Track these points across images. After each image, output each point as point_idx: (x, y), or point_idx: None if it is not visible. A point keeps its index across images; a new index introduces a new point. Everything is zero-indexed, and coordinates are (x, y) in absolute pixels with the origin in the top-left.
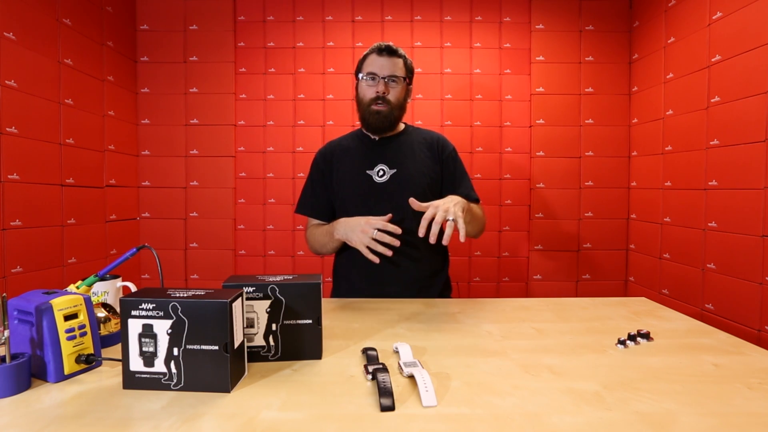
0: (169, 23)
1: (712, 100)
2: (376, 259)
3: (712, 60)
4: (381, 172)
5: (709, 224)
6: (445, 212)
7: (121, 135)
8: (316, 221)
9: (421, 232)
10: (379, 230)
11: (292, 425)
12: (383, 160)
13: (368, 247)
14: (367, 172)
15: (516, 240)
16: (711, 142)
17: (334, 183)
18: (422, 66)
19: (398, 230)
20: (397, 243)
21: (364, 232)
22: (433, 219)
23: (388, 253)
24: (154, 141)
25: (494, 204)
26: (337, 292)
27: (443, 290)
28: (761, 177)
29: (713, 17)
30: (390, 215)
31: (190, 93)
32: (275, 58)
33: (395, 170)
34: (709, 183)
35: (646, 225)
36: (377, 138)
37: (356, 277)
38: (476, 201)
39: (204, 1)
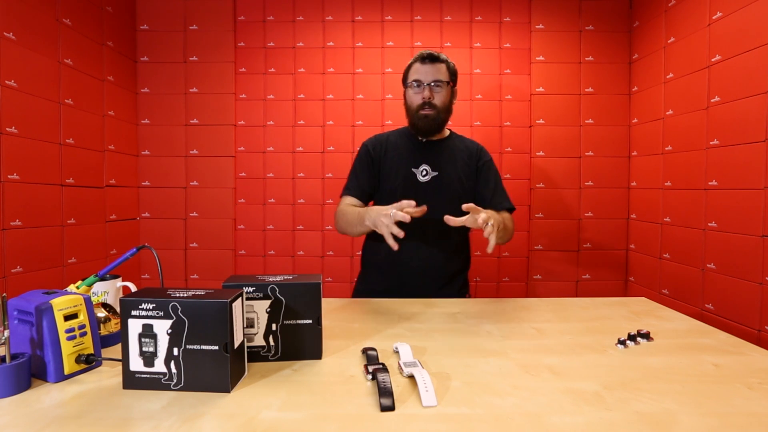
0: (169, 23)
1: (712, 100)
2: (395, 246)
3: (712, 60)
4: (424, 172)
5: (709, 224)
6: (487, 216)
7: (121, 135)
8: (349, 201)
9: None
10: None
11: (292, 425)
12: (427, 161)
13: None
14: (412, 169)
15: (516, 240)
16: (711, 142)
17: (381, 173)
18: None
19: (412, 203)
20: (408, 218)
21: (386, 215)
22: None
23: (400, 234)
24: (154, 141)
25: None
26: (364, 280)
27: (462, 287)
28: (761, 177)
29: (713, 17)
30: (414, 205)
31: (190, 93)
32: (275, 58)
33: (437, 173)
34: (709, 183)
35: (646, 225)
36: (424, 140)
37: (387, 267)
38: (511, 209)
39: (204, 1)
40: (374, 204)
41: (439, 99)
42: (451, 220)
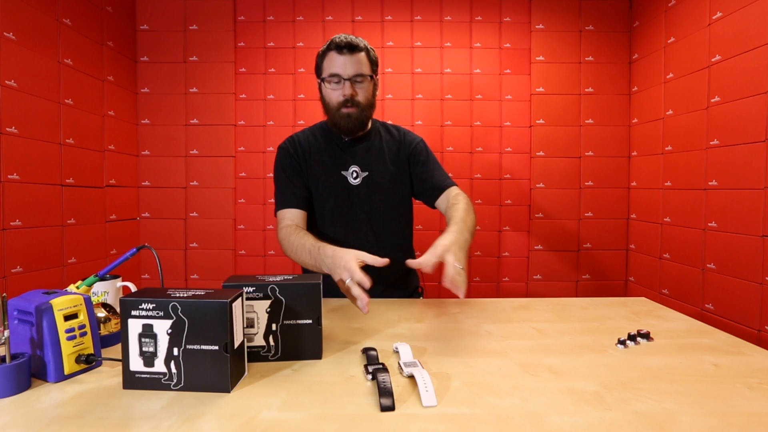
0: (169, 23)
1: (712, 100)
2: (365, 308)
3: (712, 60)
4: (354, 174)
5: (709, 224)
6: (452, 257)
7: (121, 135)
8: (291, 217)
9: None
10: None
11: (292, 425)
12: (355, 161)
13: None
14: (342, 173)
15: (516, 240)
16: (711, 142)
17: (309, 178)
18: (422, 66)
19: (377, 262)
20: (366, 297)
21: (341, 276)
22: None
23: (363, 310)
24: (154, 141)
25: (494, 204)
26: None
27: (414, 283)
28: (761, 177)
29: (713, 17)
30: (387, 261)
31: (190, 93)
32: (275, 58)
33: (367, 173)
34: (709, 183)
35: (646, 225)
36: (347, 138)
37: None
38: (452, 185)
39: (204, 1)
40: (308, 215)
41: (362, 95)
42: (413, 264)
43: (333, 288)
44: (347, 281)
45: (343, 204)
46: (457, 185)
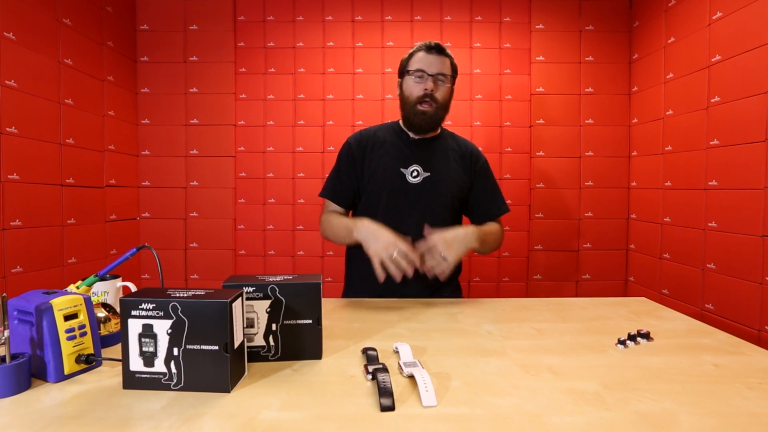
0: (169, 23)
1: (712, 100)
2: (381, 276)
3: (712, 60)
4: (415, 173)
5: (709, 224)
6: (445, 248)
7: (121, 135)
8: (334, 207)
9: (417, 263)
10: (399, 253)
11: (292, 425)
12: (418, 161)
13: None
14: (401, 170)
15: (516, 240)
16: (711, 142)
17: (365, 173)
18: None
19: (416, 261)
20: (410, 273)
21: (386, 247)
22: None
23: (397, 278)
24: (154, 141)
25: None
26: (351, 291)
27: (454, 290)
28: (761, 177)
29: (713, 17)
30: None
31: (190, 93)
32: (275, 58)
33: (429, 174)
34: (709, 183)
35: (646, 225)
36: (416, 137)
37: (375, 276)
38: (505, 212)
39: (204, 1)
40: (359, 207)
41: (440, 94)
42: (428, 231)
43: (353, 287)
44: (394, 254)
45: (396, 200)
46: (509, 211)
